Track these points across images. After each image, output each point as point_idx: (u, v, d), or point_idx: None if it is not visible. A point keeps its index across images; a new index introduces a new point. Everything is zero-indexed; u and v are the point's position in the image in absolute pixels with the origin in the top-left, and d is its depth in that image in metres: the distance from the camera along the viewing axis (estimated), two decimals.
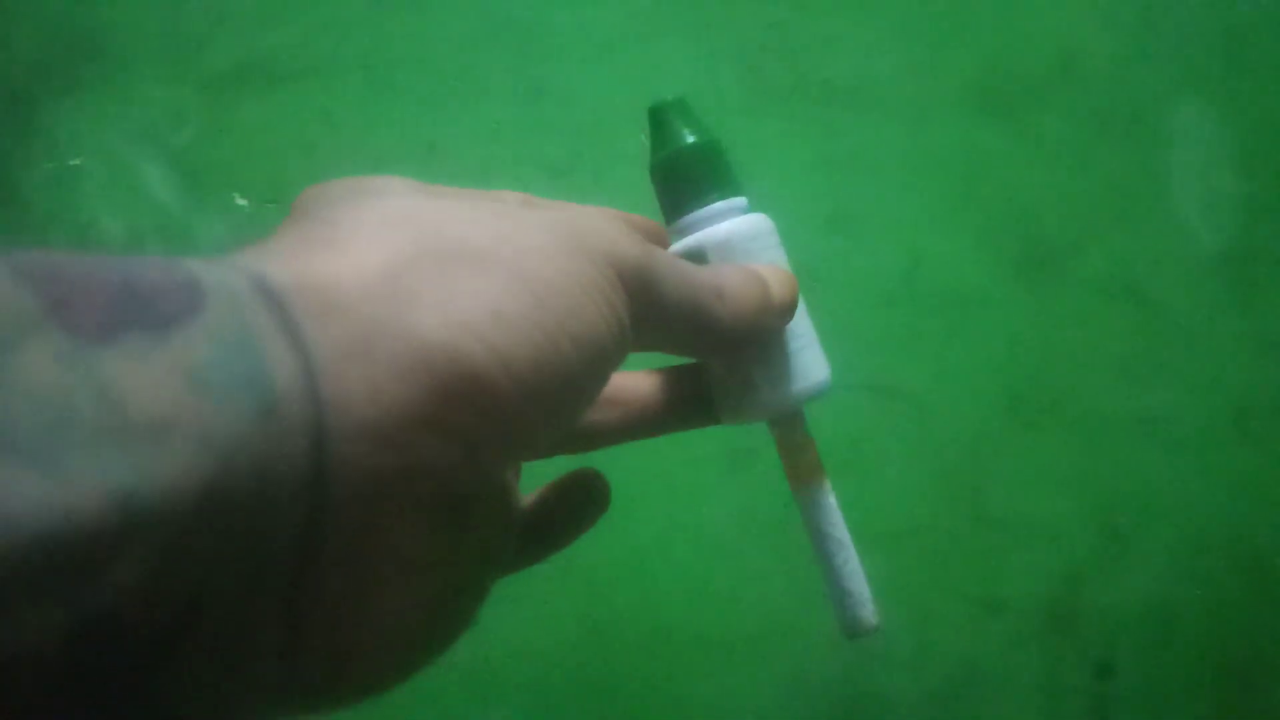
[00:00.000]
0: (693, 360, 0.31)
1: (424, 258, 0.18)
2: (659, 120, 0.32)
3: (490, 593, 0.23)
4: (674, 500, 0.75)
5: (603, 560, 0.74)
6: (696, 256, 0.29)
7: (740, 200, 0.31)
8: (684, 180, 0.31)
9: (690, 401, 0.31)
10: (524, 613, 0.72)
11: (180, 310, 0.14)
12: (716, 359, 0.29)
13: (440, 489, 0.18)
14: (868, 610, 0.31)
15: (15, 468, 0.12)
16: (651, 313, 0.22)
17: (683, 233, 0.30)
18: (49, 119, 0.77)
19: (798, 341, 0.30)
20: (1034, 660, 0.77)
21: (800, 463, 0.31)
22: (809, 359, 0.30)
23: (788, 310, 0.28)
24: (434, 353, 0.17)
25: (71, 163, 0.76)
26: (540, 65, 0.80)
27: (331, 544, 0.16)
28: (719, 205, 0.30)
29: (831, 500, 0.31)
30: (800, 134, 0.82)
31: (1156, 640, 0.79)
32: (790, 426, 0.30)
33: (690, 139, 0.31)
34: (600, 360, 0.20)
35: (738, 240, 0.29)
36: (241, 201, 0.77)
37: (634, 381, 0.31)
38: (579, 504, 0.30)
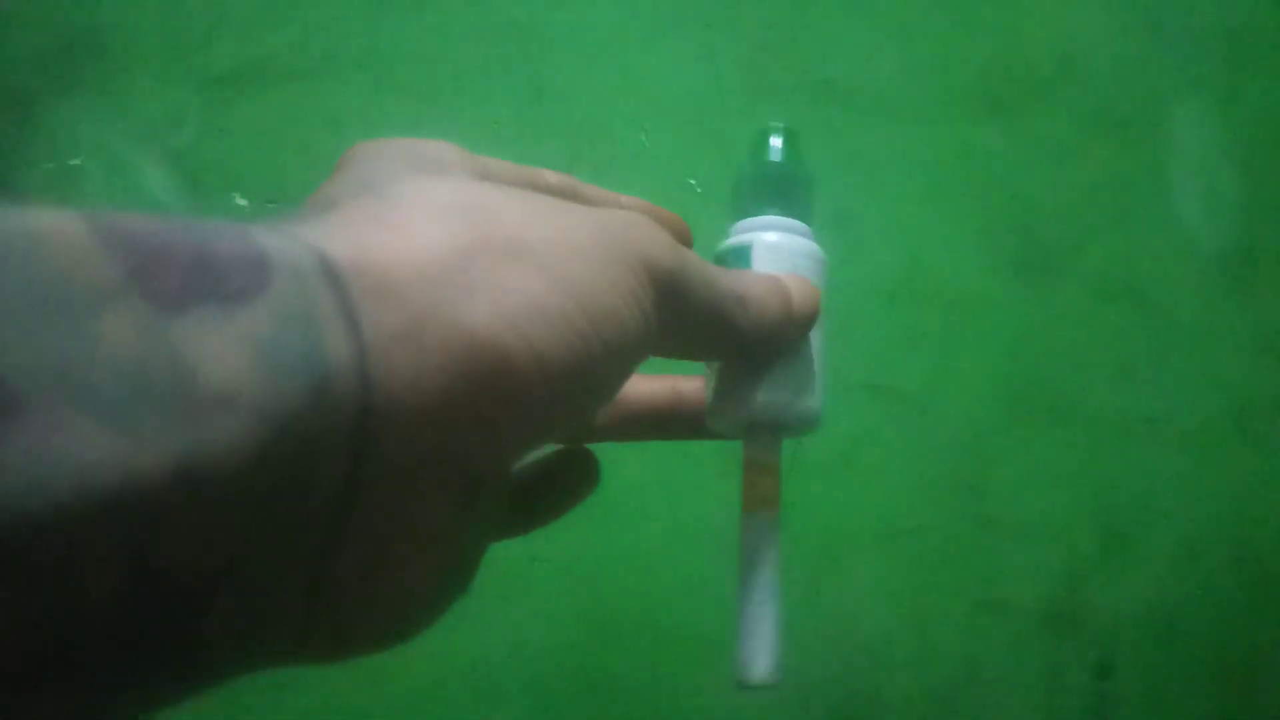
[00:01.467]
0: (701, 366, 0.31)
1: (479, 250, 0.19)
2: (771, 138, 0.34)
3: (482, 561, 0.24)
4: (674, 500, 0.75)
5: (603, 560, 0.74)
6: (740, 253, 0.30)
7: (805, 226, 0.32)
8: (770, 191, 0.32)
9: (685, 412, 0.32)
10: (524, 613, 0.72)
11: (250, 284, 0.15)
12: (729, 362, 0.30)
13: (464, 471, 0.19)
14: (766, 662, 0.29)
15: (93, 426, 0.13)
16: (678, 317, 0.23)
17: (741, 232, 0.31)
18: (49, 118, 0.77)
19: (803, 366, 0.30)
20: (1034, 660, 0.77)
21: (760, 486, 0.31)
22: (808, 386, 0.30)
23: (807, 321, 0.29)
24: (480, 345, 0.17)
25: (71, 163, 0.76)
26: (540, 65, 0.80)
27: (360, 517, 0.17)
28: (787, 220, 0.31)
29: (776, 536, 0.31)
30: (800, 134, 0.82)
31: (1156, 640, 0.79)
32: (764, 445, 0.31)
33: (792, 164, 0.33)
34: (626, 361, 0.21)
35: (786, 251, 0.30)
36: (242, 202, 0.77)
37: (637, 384, 0.32)
38: (570, 480, 0.31)
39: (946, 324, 0.80)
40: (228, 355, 0.15)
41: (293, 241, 0.17)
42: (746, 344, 0.27)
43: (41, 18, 0.79)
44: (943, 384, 0.79)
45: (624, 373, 0.22)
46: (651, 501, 0.75)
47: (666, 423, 0.32)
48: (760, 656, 0.29)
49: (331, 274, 0.17)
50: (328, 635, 0.19)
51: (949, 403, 0.79)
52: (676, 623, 0.74)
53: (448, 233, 0.19)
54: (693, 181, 0.78)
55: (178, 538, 0.14)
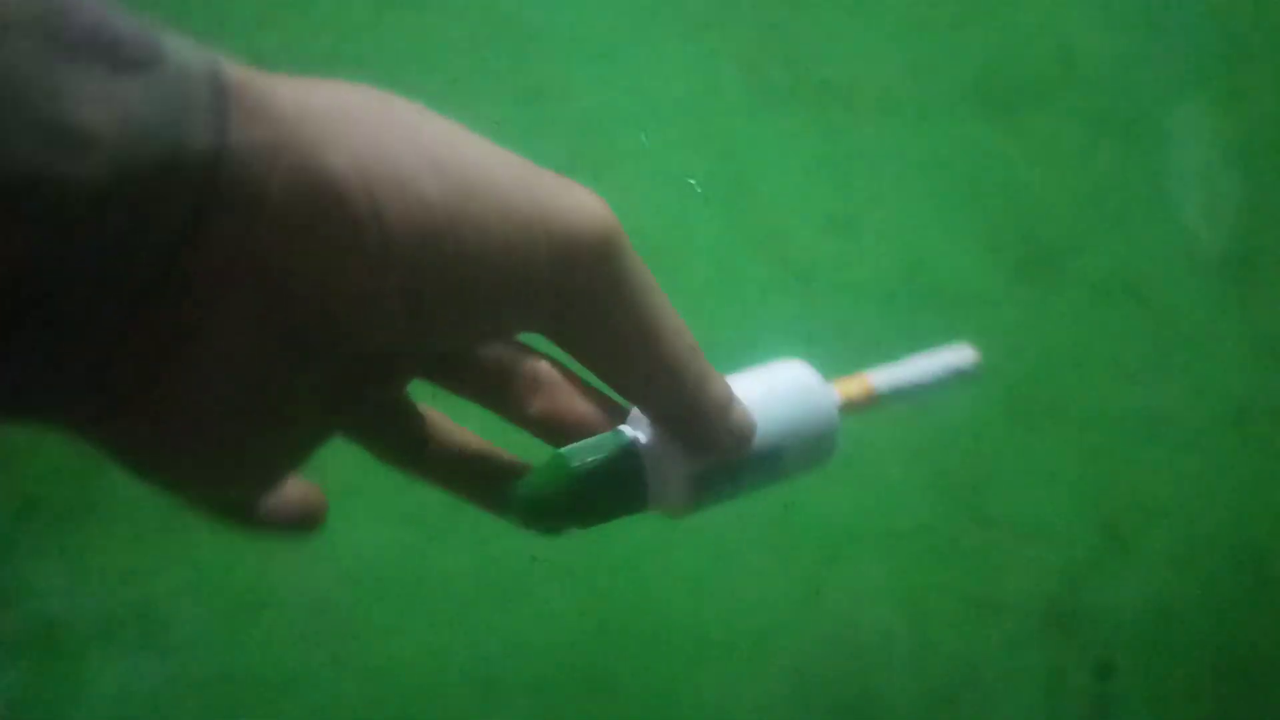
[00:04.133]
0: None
1: (369, 119, 0.20)
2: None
3: (319, 447, 0.23)
4: None
5: (603, 560, 0.74)
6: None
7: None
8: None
9: (519, 396, 0.27)
10: (524, 612, 0.72)
11: (139, 61, 0.17)
12: (648, 408, 0.25)
13: (285, 311, 0.19)
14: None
15: None
16: (594, 303, 0.21)
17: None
18: None
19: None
20: (1034, 660, 0.77)
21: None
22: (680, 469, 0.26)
23: (742, 440, 0.25)
24: (325, 183, 0.18)
25: None
26: (540, 65, 0.80)
27: (172, 304, 0.18)
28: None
29: None
30: (800, 134, 0.82)
31: (1156, 640, 0.79)
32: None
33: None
34: (495, 293, 0.20)
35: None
36: None
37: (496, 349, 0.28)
38: (489, 481, 0.28)
39: (946, 324, 0.80)
40: (100, 107, 0.16)
41: (193, 49, 0.18)
42: (683, 399, 0.23)
43: None
44: None
45: (491, 305, 0.20)
46: None
47: (504, 398, 0.28)
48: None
49: (216, 81, 0.18)
50: (125, 421, 0.19)
51: (949, 402, 0.79)
52: (676, 623, 0.74)
53: (348, 96, 0.20)
54: (692, 181, 0.78)
55: (7, 252, 0.16)
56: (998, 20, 0.85)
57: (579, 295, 0.21)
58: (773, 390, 0.27)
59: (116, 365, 0.19)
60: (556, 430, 0.27)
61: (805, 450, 0.28)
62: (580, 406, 0.27)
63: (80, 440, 0.20)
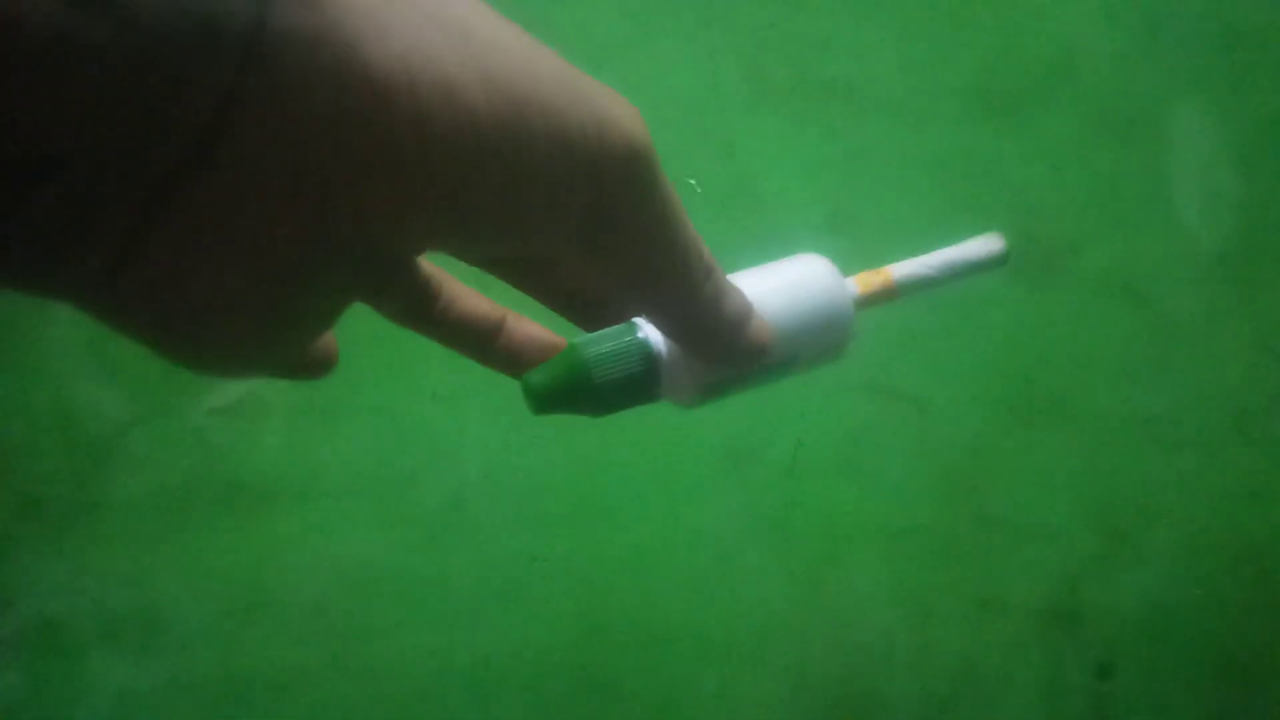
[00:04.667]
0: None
1: (422, 14, 0.19)
2: None
3: (331, 321, 0.23)
4: (674, 500, 0.75)
5: (603, 560, 0.74)
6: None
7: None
8: None
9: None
10: (524, 613, 0.72)
11: None
12: (664, 323, 0.26)
13: (316, 195, 0.18)
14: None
15: None
16: (623, 212, 0.21)
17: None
18: None
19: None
20: (1034, 660, 0.77)
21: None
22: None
23: (754, 351, 0.26)
24: (368, 77, 0.18)
25: None
26: None
27: (202, 180, 0.18)
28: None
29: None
30: (800, 134, 0.82)
31: (1156, 640, 0.79)
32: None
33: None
34: (532, 201, 0.20)
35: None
36: None
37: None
38: (531, 361, 0.29)
39: (946, 324, 0.80)
40: None
41: None
42: (697, 315, 0.24)
43: None
44: (943, 384, 0.79)
45: (530, 215, 0.20)
46: (651, 501, 0.75)
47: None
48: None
49: None
50: (140, 287, 0.18)
51: (949, 403, 0.79)
52: (676, 623, 0.74)
53: None
54: (693, 181, 0.78)
55: (34, 103, 0.15)
56: (998, 20, 0.85)
57: (610, 207, 0.21)
58: (789, 291, 0.28)
59: (138, 241, 0.18)
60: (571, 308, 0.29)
61: (820, 348, 0.29)
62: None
63: (93, 314, 0.19)
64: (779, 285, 0.28)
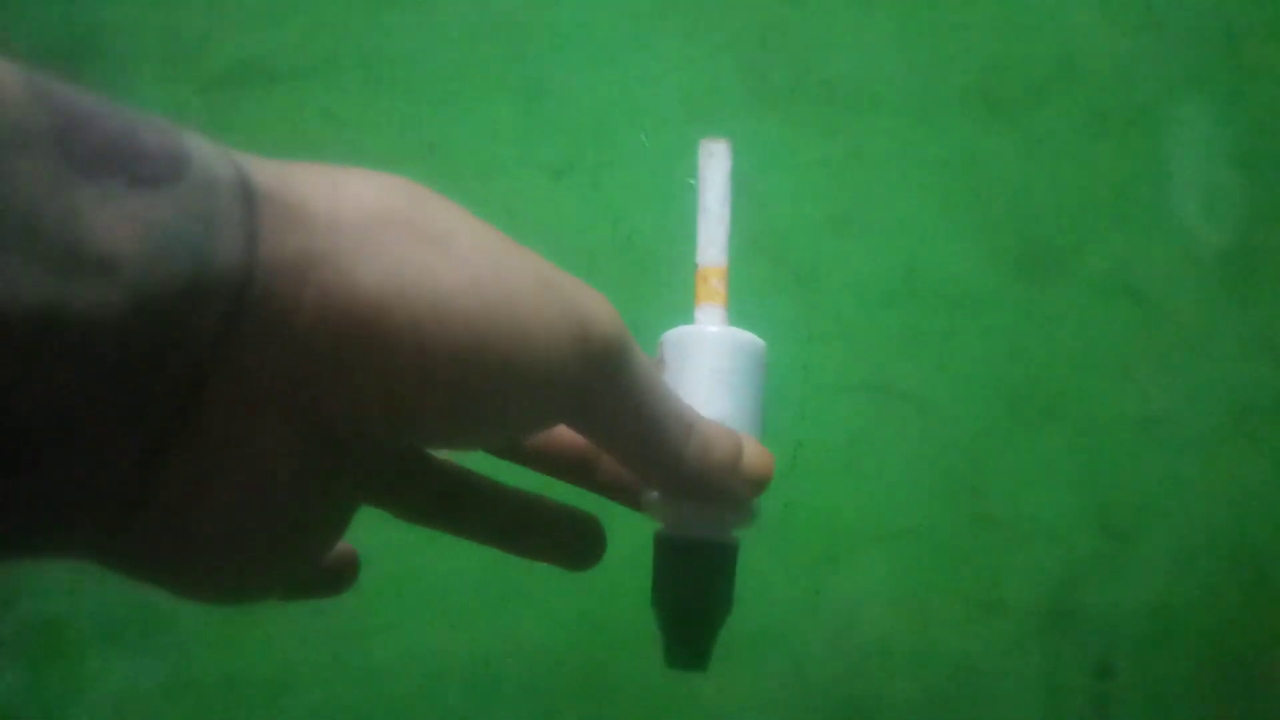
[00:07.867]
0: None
1: (403, 226, 0.19)
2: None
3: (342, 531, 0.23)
4: None
5: (603, 560, 0.74)
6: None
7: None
8: None
9: (604, 471, 0.33)
10: (524, 612, 0.72)
11: (163, 175, 0.16)
12: (656, 487, 0.29)
13: (316, 420, 0.19)
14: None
15: None
16: (607, 398, 0.23)
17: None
18: None
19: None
20: (1034, 660, 0.77)
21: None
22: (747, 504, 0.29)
23: (758, 482, 0.28)
24: (360, 301, 0.18)
25: None
26: (540, 65, 0.80)
27: (201, 421, 0.18)
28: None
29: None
30: (800, 134, 0.82)
31: (1156, 640, 0.79)
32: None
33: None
34: (531, 395, 0.21)
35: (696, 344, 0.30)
36: None
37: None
38: (563, 540, 0.33)
39: (946, 324, 0.80)
40: (120, 228, 0.15)
41: (221, 156, 0.17)
42: (684, 475, 0.25)
43: (41, 18, 0.79)
44: (943, 384, 0.79)
45: (527, 407, 0.21)
46: None
47: (588, 473, 0.32)
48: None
49: (246, 190, 0.17)
50: (146, 537, 0.18)
51: (949, 403, 0.79)
52: None
53: (380, 203, 0.19)
54: (693, 182, 0.78)
55: (26, 383, 0.15)
56: (998, 20, 0.85)
57: (595, 394, 0.22)
58: (743, 385, 0.30)
59: (141, 495, 0.18)
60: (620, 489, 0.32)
61: (759, 386, 0.31)
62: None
63: (101, 567, 0.19)
64: (733, 384, 0.30)
